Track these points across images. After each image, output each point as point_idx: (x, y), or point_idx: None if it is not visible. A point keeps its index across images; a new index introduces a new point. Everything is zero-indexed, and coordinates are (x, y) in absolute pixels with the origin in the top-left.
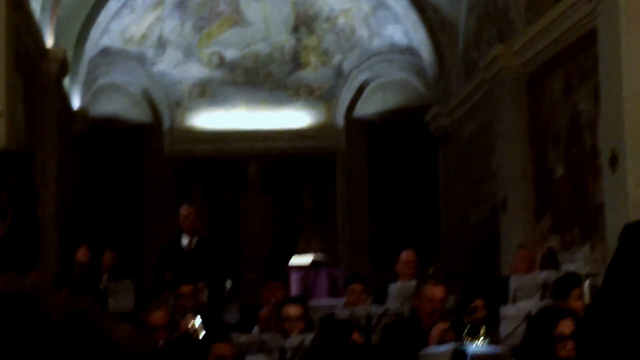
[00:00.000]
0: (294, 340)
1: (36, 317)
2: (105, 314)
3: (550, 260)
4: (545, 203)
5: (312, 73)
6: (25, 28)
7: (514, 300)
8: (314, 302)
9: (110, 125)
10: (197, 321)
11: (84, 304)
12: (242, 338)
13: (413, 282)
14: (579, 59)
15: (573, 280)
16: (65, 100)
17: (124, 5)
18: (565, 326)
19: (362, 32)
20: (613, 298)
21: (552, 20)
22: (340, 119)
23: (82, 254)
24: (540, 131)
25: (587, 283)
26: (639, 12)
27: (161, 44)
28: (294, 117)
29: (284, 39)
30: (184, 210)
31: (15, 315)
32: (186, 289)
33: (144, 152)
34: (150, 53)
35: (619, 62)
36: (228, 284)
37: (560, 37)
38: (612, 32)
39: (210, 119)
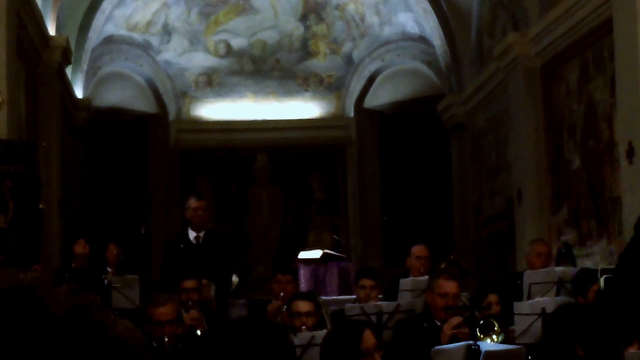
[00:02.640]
0: (304, 336)
1: (36, 312)
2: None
3: (566, 255)
4: (561, 195)
5: (322, 62)
6: (27, 15)
7: (529, 296)
8: (324, 298)
9: (115, 115)
10: (202, 315)
11: (85, 298)
12: None
13: (425, 277)
14: (594, 48)
15: (592, 276)
16: (68, 89)
17: None
18: None
19: (373, 19)
20: (623, 287)
21: (568, 8)
22: (350, 109)
23: (80, 247)
24: (555, 122)
25: (602, 279)
26: None
27: (167, 32)
28: (303, 107)
29: (293, 27)
30: (192, 203)
31: (15, 310)
32: (190, 283)
33: (149, 143)
34: (155, 41)
35: (635, 52)
36: (235, 278)
37: (576, 26)
38: (628, 20)
39: (217, 109)
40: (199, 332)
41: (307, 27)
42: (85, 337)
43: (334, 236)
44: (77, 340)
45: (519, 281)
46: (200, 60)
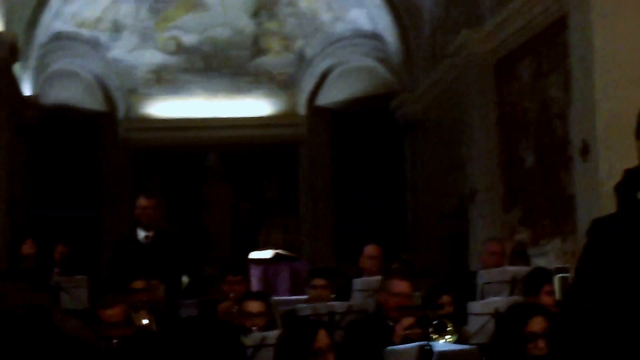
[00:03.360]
0: (255, 337)
1: None
2: (55, 308)
3: (520, 255)
4: (515, 194)
5: (274, 59)
6: None
7: (482, 295)
8: (275, 298)
9: (64, 113)
10: (151, 317)
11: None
12: None
13: (378, 277)
14: (549, 45)
15: (543, 276)
16: (15, 86)
17: None
18: (537, 324)
19: (325, 16)
20: (583, 297)
21: (522, 4)
22: (302, 107)
23: (27, 248)
24: (510, 119)
25: (557, 278)
26: None
27: (116, 28)
28: (255, 105)
29: (244, 24)
30: (142, 202)
31: None
32: (138, 284)
33: (99, 141)
34: (104, 38)
35: (590, 49)
36: (185, 278)
37: (531, 22)
38: (583, 17)
39: (167, 107)
40: (149, 333)
41: (258, 24)
42: (41, 335)
43: (286, 236)
44: (33, 337)
45: (472, 281)
46: (150, 58)
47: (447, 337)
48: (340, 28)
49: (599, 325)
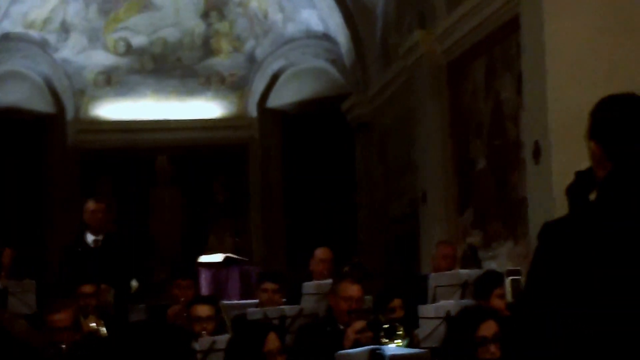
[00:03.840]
0: (204, 341)
1: None
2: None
3: (472, 258)
4: (467, 197)
5: (224, 60)
6: None
7: (434, 299)
8: (225, 302)
9: (11, 115)
10: (101, 321)
11: None
12: None
13: (329, 281)
14: (502, 45)
15: (494, 279)
16: None
17: None
18: (487, 328)
19: (276, 17)
20: (533, 301)
21: (475, 4)
22: (253, 109)
23: None
24: (462, 121)
25: (508, 280)
26: None
27: (64, 29)
28: (205, 107)
29: (195, 24)
30: (91, 205)
31: None
32: (87, 288)
33: (47, 144)
34: (53, 38)
35: (542, 50)
36: (134, 283)
37: (483, 23)
38: (535, 18)
39: (116, 109)
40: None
41: (209, 25)
42: None
43: (236, 239)
44: None
45: (423, 284)
46: (100, 59)
47: (398, 341)
48: (291, 29)
49: (549, 330)
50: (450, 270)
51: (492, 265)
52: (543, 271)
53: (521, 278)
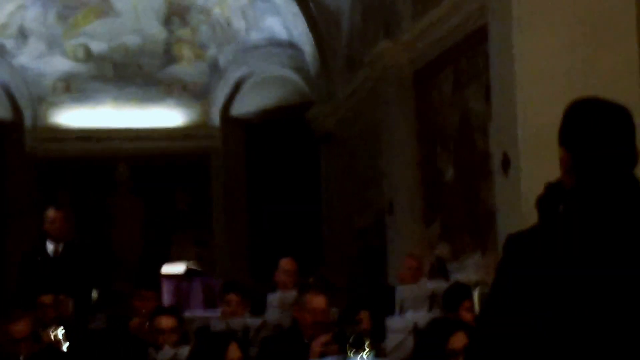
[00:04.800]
0: (166, 353)
1: None
2: None
3: (439, 270)
4: (435, 208)
5: (186, 68)
6: None
7: (401, 311)
8: (188, 313)
9: None
10: (60, 332)
11: None
12: None
13: (293, 292)
14: (469, 56)
15: (463, 291)
16: None
17: None
18: (458, 340)
19: (239, 24)
20: (496, 314)
21: (442, 14)
22: (215, 118)
23: None
24: (429, 132)
25: (477, 292)
26: (531, 8)
27: (22, 34)
28: (167, 115)
29: (156, 31)
30: (50, 213)
31: None
32: (46, 298)
33: (4, 152)
34: (10, 44)
35: (510, 59)
36: (95, 293)
37: (450, 33)
38: (503, 27)
39: (76, 116)
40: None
41: (170, 31)
42: None
43: (199, 250)
44: None
45: (390, 296)
46: (59, 65)
47: (364, 353)
48: (254, 36)
49: (511, 343)
50: (416, 282)
51: (460, 277)
52: (506, 283)
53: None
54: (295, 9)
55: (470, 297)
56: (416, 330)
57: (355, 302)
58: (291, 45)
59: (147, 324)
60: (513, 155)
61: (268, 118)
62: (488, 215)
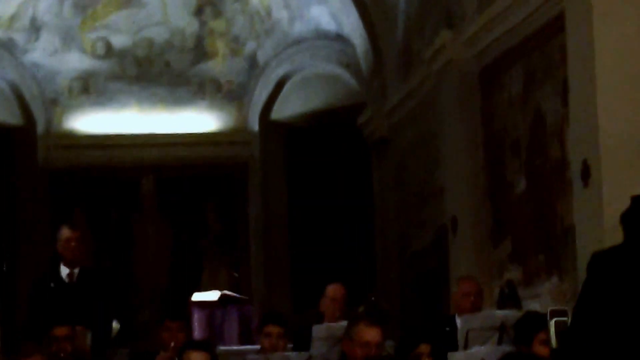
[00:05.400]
0: None
1: None
2: None
3: (510, 296)
4: (504, 225)
5: (220, 65)
6: None
7: (466, 344)
8: (222, 347)
9: None
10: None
11: None
12: None
13: (342, 323)
14: (543, 50)
15: (537, 322)
16: None
17: None
18: None
19: (281, 14)
20: (580, 340)
21: (511, 3)
22: (254, 122)
23: None
24: (496, 138)
25: (553, 323)
26: None
27: (34, 28)
28: (198, 120)
29: (186, 23)
30: (64, 234)
31: None
32: (61, 331)
33: (14, 162)
34: (20, 38)
35: (591, 54)
36: (115, 324)
37: (521, 24)
38: (583, 17)
39: (95, 121)
40: None
41: (202, 23)
42: None
43: (234, 274)
44: None
45: (447, 328)
46: (75, 62)
47: None
48: (298, 28)
49: None
50: (474, 310)
51: (533, 305)
52: (592, 308)
53: (568, 319)
54: None
55: (545, 328)
56: None
57: (413, 334)
58: (340, 38)
59: (176, 359)
60: (594, 164)
61: (313, 122)
62: (565, 232)
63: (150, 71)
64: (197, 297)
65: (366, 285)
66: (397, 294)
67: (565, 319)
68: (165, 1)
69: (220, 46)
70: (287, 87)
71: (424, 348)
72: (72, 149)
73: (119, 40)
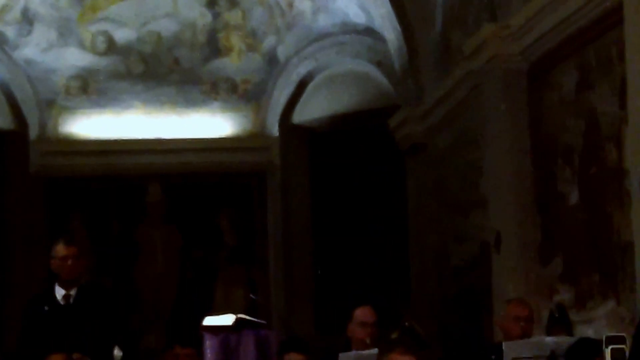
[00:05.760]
0: None
1: None
2: None
3: (560, 321)
4: (554, 241)
5: (236, 62)
6: None
7: None
8: None
9: None
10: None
11: None
12: None
13: (373, 351)
14: (598, 44)
15: (591, 349)
16: None
17: None
18: None
19: (304, 5)
20: None
21: None
22: (273, 125)
23: None
24: (545, 143)
25: (609, 350)
26: None
27: (27, 20)
28: (210, 123)
29: (197, 15)
30: (61, 249)
31: None
32: (57, 358)
33: (4, 170)
34: (11, 32)
35: None
36: (117, 351)
37: (574, 15)
38: None
39: (95, 124)
40: None
41: (216, 15)
42: None
43: (250, 294)
44: None
45: (493, 356)
46: (73, 59)
47: None
48: (323, 21)
49: None
50: (525, 336)
51: (587, 331)
52: None
53: (626, 347)
54: None
55: (600, 356)
56: None
57: None
58: (370, 32)
59: None
60: None
61: (339, 126)
62: (623, 249)
63: (157, 69)
64: (209, 320)
65: (399, 307)
66: (434, 316)
67: (622, 346)
68: None
69: (236, 41)
70: (311, 87)
71: None
72: (69, 156)
73: (122, 34)
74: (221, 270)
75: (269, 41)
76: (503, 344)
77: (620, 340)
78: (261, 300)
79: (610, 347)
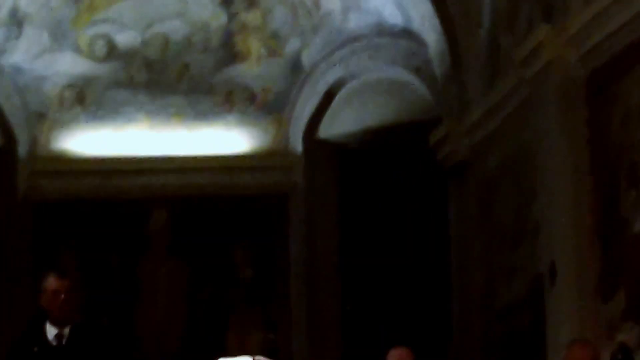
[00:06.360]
0: None
1: None
2: None
3: None
4: (616, 273)
5: (254, 69)
6: None
7: None
8: None
9: None
10: None
11: None
12: None
13: None
14: None
15: None
16: None
17: None
18: None
19: (332, 4)
20: None
21: None
22: (297, 141)
23: None
24: (607, 162)
25: None
26: None
27: (16, 22)
28: (225, 138)
29: (210, 15)
30: (52, 283)
31: None
32: None
33: None
34: None
35: None
36: None
37: (639, 18)
38: None
39: (92, 140)
40: None
41: (232, 16)
42: None
43: (269, 335)
44: None
45: None
46: (68, 65)
47: None
48: (355, 22)
49: None
50: None
51: None
52: None
53: None
54: None
55: None
56: None
57: None
58: (408, 34)
59: None
60: None
61: (372, 141)
62: None
63: (163, 77)
64: None
65: (440, 349)
66: (479, 356)
67: None
68: None
69: (255, 45)
70: (340, 97)
71: None
72: (62, 177)
73: (124, 38)
74: (235, 308)
75: (293, 45)
76: None
77: None
78: (281, 341)
79: None
